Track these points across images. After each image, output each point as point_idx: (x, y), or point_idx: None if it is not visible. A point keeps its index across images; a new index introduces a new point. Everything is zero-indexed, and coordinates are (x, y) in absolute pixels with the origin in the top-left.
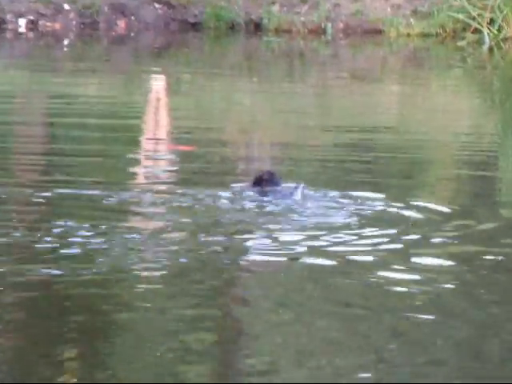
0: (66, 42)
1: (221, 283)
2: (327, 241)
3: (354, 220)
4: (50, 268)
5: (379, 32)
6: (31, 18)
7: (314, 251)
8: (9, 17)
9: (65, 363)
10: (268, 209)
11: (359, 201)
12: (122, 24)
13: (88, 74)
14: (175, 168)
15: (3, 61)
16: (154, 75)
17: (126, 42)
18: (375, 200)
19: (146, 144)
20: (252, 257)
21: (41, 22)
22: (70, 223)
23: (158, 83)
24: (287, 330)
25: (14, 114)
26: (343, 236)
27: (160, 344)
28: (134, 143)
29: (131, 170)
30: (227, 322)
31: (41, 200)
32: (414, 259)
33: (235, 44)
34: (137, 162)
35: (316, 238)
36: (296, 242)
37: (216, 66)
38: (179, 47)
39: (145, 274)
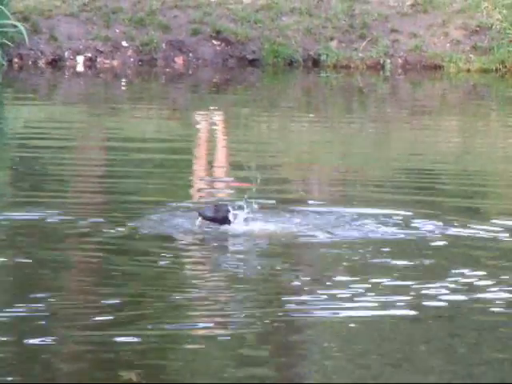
0: (123, 79)
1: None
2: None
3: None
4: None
5: (438, 67)
6: (89, 55)
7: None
8: (67, 54)
9: None
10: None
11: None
12: (179, 61)
13: (146, 111)
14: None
15: (61, 98)
16: (212, 112)
17: (184, 79)
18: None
19: (201, 181)
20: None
21: (99, 60)
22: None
23: (216, 119)
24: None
25: (73, 152)
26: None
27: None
28: (191, 180)
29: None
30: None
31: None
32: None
33: (293, 80)
34: (193, 201)
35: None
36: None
37: (274, 102)
38: (237, 83)
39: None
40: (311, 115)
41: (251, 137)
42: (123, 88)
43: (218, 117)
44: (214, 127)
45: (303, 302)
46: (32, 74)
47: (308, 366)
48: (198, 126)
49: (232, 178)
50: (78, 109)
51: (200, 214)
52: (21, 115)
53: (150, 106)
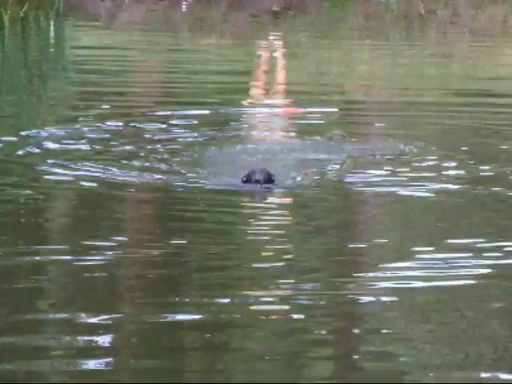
0: (184, 5)
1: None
2: None
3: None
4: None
5: None
6: None
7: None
8: None
9: None
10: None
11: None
12: None
13: (206, 37)
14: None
15: (123, 27)
16: (271, 37)
17: (245, 5)
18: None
19: (259, 106)
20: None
21: None
22: None
23: (276, 45)
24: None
25: (131, 80)
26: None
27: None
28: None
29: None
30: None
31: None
32: None
33: (354, 5)
34: (247, 126)
35: None
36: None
37: (334, 29)
38: (297, 10)
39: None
40: (367, 41)
41: (311, 62)
42: (184, 14)
43: (277, 42)
44: (274, 52)
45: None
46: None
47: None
48: (257, 51)
49: (285, 107)
50: (137, 35)
51: (257, 181)
52: (83, 40)
53: (211, 31)
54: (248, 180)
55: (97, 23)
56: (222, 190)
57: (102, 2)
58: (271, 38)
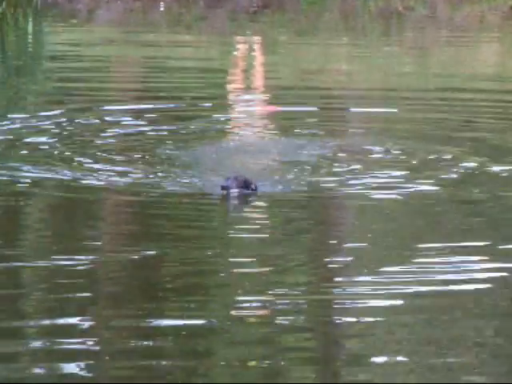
0: (162, 4)
1: None
2: None
3: None
4: None
5: None
6: None
7: None
8: None
9: None
10: None
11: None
12: None
13: (184, 35)
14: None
15: (101, 24)
16: (250, 35)
17: (223, 3)
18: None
19: (236, 105)
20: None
21: None
22: None
23: (254, 42)
24: None
25: (109, 80)
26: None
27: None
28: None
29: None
30: None
31: None
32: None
33: (331, 3)
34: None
35: None
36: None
37: (312, 26)
38: (275, 8)
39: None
40: (344, 39)
41: (289, 60)
42: (161, 12)
43: (256, 40)
44: (252, 50)
45: None
46: None
47: None
48: (236, 47)
49: (264, 102)
50: (116, 34)
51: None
52: (61, 37)
53: (189, 29)
54: (226, 187)
55: (75, 20)
56: (200, 194)
57: (80, 0)
58: (249, 35)
